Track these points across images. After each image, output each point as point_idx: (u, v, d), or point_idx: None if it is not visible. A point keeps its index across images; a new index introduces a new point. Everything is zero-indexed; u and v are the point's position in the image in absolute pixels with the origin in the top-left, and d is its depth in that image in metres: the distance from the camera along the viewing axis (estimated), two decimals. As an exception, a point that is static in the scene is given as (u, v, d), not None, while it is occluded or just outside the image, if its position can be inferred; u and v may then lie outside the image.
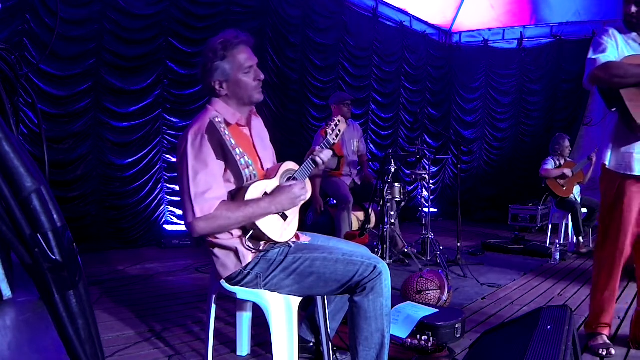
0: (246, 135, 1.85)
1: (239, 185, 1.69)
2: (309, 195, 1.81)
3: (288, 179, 1.79)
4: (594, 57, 2.23)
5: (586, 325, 2.41)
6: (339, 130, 1.95)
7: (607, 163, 2.31)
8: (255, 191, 1.67)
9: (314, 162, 1.85)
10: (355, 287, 1.66)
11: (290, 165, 1.85)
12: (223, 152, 1.66)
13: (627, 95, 2.17)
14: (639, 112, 2.16)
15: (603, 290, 2.32)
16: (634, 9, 2.21)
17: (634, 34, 2.28)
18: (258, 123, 1.94)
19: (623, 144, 2.27)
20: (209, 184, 1.60)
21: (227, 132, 1.66)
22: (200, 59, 1.76)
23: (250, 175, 1.71)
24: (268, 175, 1.80)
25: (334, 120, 1.96)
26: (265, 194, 1.70)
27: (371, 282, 1.64)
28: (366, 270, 1.64)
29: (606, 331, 2.34)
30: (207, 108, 1.77)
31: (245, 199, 1.64)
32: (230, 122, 1.76)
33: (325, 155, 1.86)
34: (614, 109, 2.28)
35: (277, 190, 1.71)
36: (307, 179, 1.84)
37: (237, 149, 1.68)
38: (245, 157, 1.71)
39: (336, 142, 1.97)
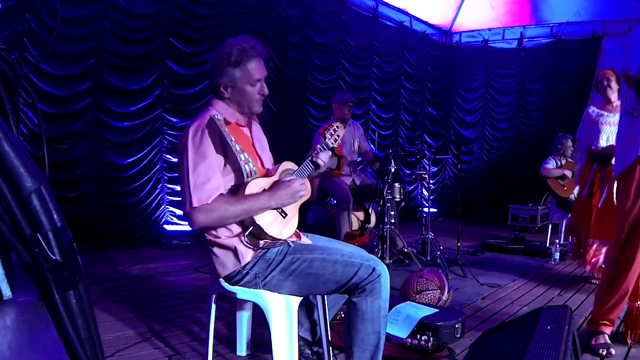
0: (246, 135, 1.88)
1: (239, 181, 1.71)
2: (309, 193, 1.82)
3: None
4: None
5: (590, 321, 2.38)
6: (338, 136, 1.96)
7: None
8: (254, 187, 1.69)
9: (314, 163, 1.88)
10: (354, 288, 1.67)
11: (289, 165, 1.87)
12: (223, 148, 1.68)
13: None
14: None
15: (619, 289, 2.25)
16: None
17: None
18: (257, 128, 1.97)
19: None
20: (207, 176, 1.62)
21: (226, 129, 1.71)
22: (213, 56, 1.77)
23: (250, 172, 1.73)
24: (268, 173, 1.82)
25: (333, 125, 1.98)
26: (265, 190, 1.71)
27: (370, 283, 1.65)
28: (365, 271, 1.65)
29: (608, 330, 2.33)
30: (207, 108, 1.81)
31: (245, 194, 1.66)
32: (230, 120, 1.79)
33: (324, 156, 1.89)
34: None
35: (276, 185, 1.73)
36: (307, 178, 1.85)
37: (236, 145, 1.72)
38: (245, 154, 1.74)
39: (334, 146, 1.98)
